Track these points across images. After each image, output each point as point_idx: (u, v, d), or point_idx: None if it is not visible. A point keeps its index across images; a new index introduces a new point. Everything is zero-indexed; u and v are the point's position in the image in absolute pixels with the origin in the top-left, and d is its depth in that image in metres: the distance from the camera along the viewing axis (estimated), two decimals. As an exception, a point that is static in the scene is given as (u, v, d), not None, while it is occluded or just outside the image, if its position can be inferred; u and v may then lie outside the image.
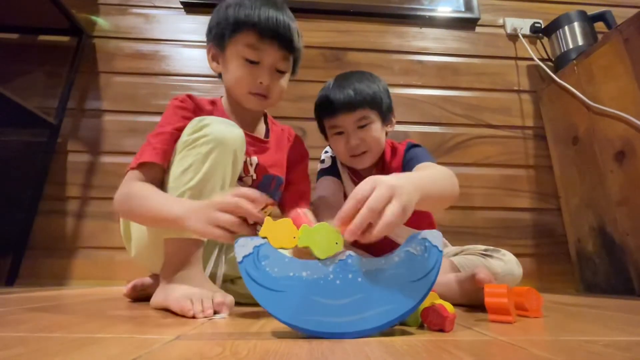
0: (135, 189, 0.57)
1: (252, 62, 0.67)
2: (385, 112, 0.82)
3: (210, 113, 0.70)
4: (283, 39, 0.67)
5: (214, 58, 0.73)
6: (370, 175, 0.87)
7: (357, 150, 0.80)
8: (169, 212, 0.50)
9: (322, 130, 0.87)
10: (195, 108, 0.69)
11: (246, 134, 0.72)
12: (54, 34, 1.34)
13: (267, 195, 0.73)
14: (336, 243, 0.38)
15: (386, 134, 0.85)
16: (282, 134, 0.83)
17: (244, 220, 0.43)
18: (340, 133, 0.81)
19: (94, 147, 1.25)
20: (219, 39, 0.69)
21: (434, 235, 0.39)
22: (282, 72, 0.71)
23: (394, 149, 0.87)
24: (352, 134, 0.80)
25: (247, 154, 0.71)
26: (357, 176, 0.88)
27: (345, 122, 0.79)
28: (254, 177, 0.72)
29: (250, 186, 0.72)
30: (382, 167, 0.86)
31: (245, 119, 0.75)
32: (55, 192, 1.20)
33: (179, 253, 0.55)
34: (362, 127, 0.79)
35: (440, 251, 0.39)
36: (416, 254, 0.38)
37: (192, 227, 0.46)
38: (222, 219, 0.43)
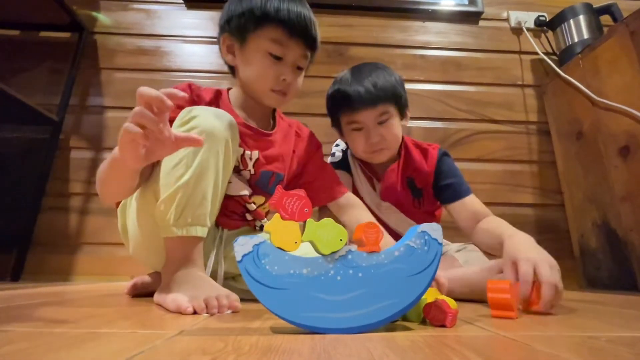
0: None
1: (276, 57, 0.66)
2: (402, 106, 0.81)
3: (212, 105, 0.68)
4: (309, 37, 0.67)
5: (229, 50, 0.70)
6: (385, 170, 0.86)
7: (377, 147, 0.79)
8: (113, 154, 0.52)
9: (337, 125, 0.85)
10: (193, 99, 0.67)
11: (249, 128, 0.71)
12: (55, 31, 1.34)
13: (265, 191, 0.73)
14: (340, 239, 0.38)
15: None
16: (289, 129, 0.81)
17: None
18: (359, 129, 0.79)
19: (97, 144, 1.26)
20: (240, 31, 0.66)
21: (433, 228, 0.39)
22: (300, 69, 0.71)
23: (423, 150, 0.85)
24: (372, 130, 0.78)
25: (248, 147, 0.70)
26: (369, 169, 0.87)
27: (366, 117, 0.77)
28: (252, 172, 0.71)
29: (248, 181, 0.71)
30: (405, 165, 0.84)
31: (255, 113, 0.74)
32: (58, 189, 1.20)
33: (179, 250, 0.54)
34: (382, 122, 0.78)
35: (440, 244, 0.39)
36: (416, 247, 0.38)
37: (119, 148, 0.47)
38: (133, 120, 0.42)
